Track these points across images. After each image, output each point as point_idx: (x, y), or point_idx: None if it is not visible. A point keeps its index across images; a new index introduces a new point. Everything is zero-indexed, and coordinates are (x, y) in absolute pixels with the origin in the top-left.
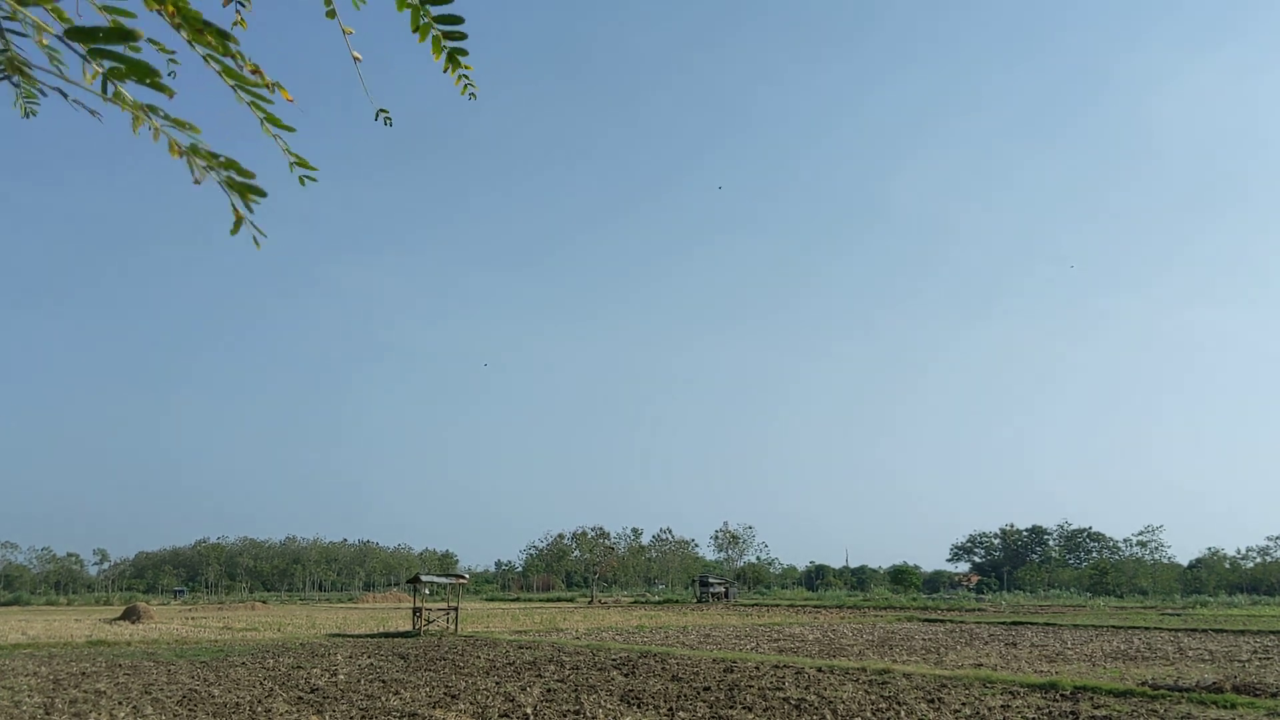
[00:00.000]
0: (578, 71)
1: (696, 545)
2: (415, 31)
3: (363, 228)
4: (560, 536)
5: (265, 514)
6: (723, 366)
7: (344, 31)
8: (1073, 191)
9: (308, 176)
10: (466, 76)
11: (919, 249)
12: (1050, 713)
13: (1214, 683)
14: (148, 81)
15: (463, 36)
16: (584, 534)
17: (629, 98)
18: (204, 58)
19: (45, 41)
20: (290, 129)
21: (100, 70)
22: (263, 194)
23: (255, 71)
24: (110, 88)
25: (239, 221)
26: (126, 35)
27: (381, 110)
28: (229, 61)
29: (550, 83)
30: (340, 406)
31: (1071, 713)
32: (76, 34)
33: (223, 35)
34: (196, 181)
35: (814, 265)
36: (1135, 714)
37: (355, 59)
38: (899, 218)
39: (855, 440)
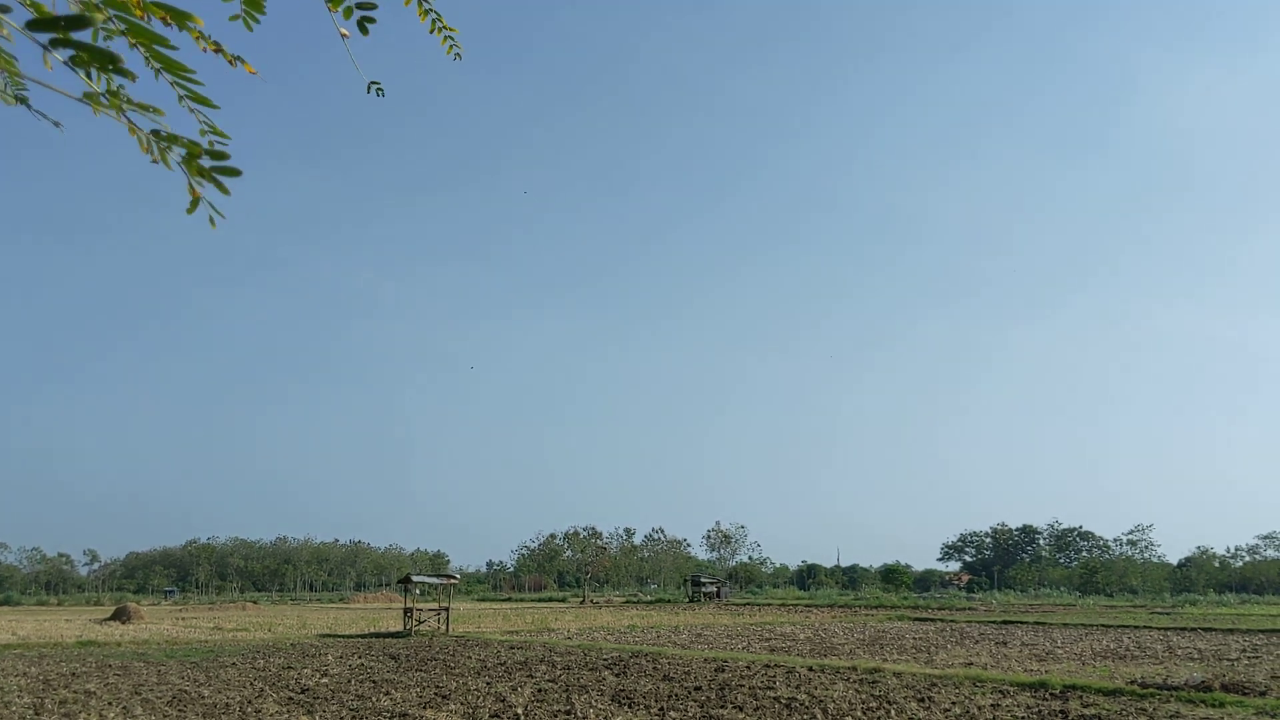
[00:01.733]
0: (620, 96)
1: (689, 545)
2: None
3: (375, 244)
4: (552, 537)
5: (256, 514)
6: (717, 367)
7: (329, 7)
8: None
9: (220, 144)
10: (451, 38)
11: (908, 249)
12: (1040, 711)
13: (1203, 681)
14: (110, 67)
15: (372, 6)
16: (576, 534)
17: (666, 122)
18: (131, 43)
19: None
20: (214, 106)
21: (60, 59)
22: (236, 172)
23: (218, 50)
24: (99, 96)
25: (195, 201)
26: (86, 21)
27: (373, 83)
28: (165, 54)
29: (597, 109)
30: (339, 408)
31: (1061, 711)
32: (38, 25)
33: (181, 15)
34: (155, 161)
35: (824, 280)
36: (1124, 713)
37: (343, 35)
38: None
39: (847, 440)
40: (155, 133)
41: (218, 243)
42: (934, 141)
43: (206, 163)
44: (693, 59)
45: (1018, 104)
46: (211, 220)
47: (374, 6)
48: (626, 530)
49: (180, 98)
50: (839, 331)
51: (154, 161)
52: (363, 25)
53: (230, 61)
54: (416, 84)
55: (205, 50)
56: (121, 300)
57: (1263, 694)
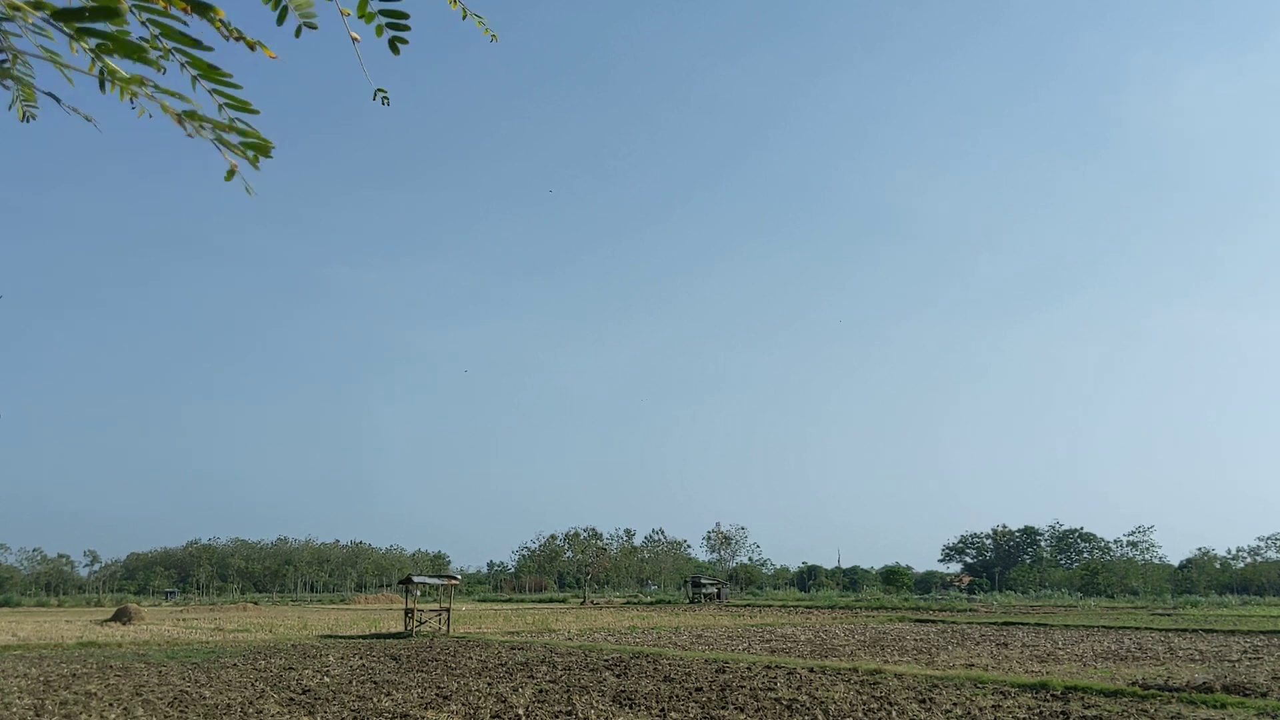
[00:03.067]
0: (604, 86)
1: (689, 546)
2: (361, 17)
3: (368, 236)
4: (553, 538)
5: (257, 514)
6: (715, 371)
7: (342, 13)
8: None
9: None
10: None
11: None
12: (1041, 713)
13: (1204, 682)
14: (135, 57)
15: (405, 29)
16: (576, 535)
17: (653, 110)
18: (165, 51)
19: (33, 24)
20: (255, 111)
21: (87, 48)
22: (269, 146)
23: (239, 38)
24: (103, 76)
25: (231, 171)
26: (111, 12)
27: (380, 90)
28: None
29: (579, 96)
30: (335, 409)
31: (1062, 713)
32: (63, 15)
33: (204, 6)
34: (190, 135)
35: (819, 277)
36: (1125, 714)
37: (354, 39)
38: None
39: (848, 441)
40: (190, 114)
41: (197, 230)
42: (925, 138)
43: (236, 139)
44: (676, 50)
45: (1009, 102)
46: (248, 189)
47: (406, 27)
48: (626, 531)
49: (220, 106)
50: (839, 331)
51: (189, 136)
52: (394, 46)
53: (250, 46)
54: (384, 69)
55: (227, 38)
56: (134, 308)
57: (1264, 695)
